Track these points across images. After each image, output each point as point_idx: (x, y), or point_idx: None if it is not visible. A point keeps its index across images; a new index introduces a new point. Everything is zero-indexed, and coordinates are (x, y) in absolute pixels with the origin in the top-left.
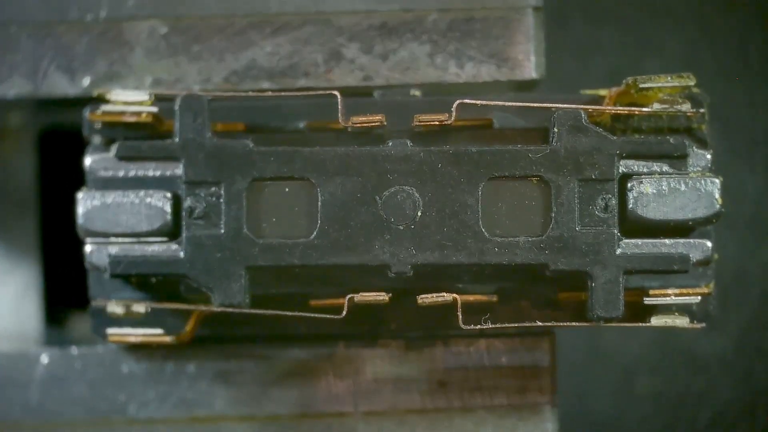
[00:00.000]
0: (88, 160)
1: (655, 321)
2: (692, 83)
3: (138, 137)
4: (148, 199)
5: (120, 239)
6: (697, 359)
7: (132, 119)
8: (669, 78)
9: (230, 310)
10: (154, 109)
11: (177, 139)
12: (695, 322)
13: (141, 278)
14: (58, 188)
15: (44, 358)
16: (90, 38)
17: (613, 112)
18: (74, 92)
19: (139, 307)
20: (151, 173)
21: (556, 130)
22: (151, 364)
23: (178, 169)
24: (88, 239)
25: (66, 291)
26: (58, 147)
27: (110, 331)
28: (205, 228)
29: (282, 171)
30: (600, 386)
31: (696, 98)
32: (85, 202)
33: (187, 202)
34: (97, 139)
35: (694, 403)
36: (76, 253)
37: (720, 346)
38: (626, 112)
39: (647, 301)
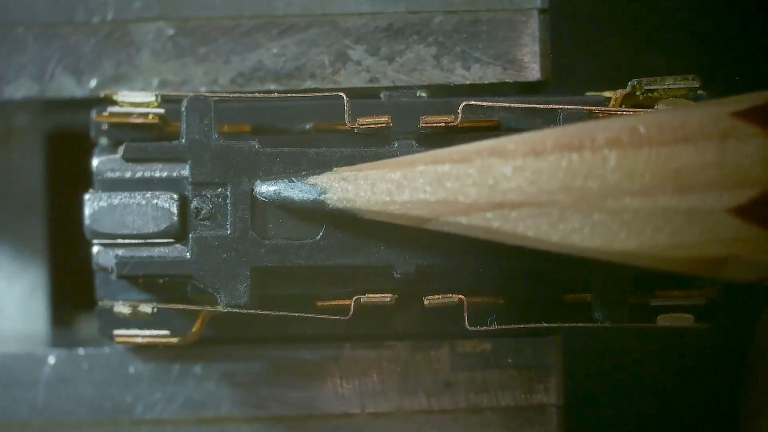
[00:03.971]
0: (95, 162)
1: (661, 321)
2: (697, 85)
3: (145, 138)
4: (155, 201)
5: (127, 240)
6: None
7: (139, 120)
8: (674, 80)
9: (236, 311)
10: (161, 111)
11: (183, 141)
12: (701, 322)
13: (148, 279)
14: (65, 190)
15: (51, 359)
16: (97, 40)
17: (618, 114)
18: (81, 94)
19: (146, 308)
20: (157, 174)
21: None
22: (158, 365)
23: (185, 171)
24: (95, 240)
25: (73, 292)
26: (65, 148)
27: (117, 332)
28: (211, 229)
29: (288, 172)
30: (607, 387)
31: (701, 100)
32: (92, 204)
33: (194, 203)
34: (104, 141)
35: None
36: (83, 254)
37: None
38: (631, 114)
39: (653, 302)
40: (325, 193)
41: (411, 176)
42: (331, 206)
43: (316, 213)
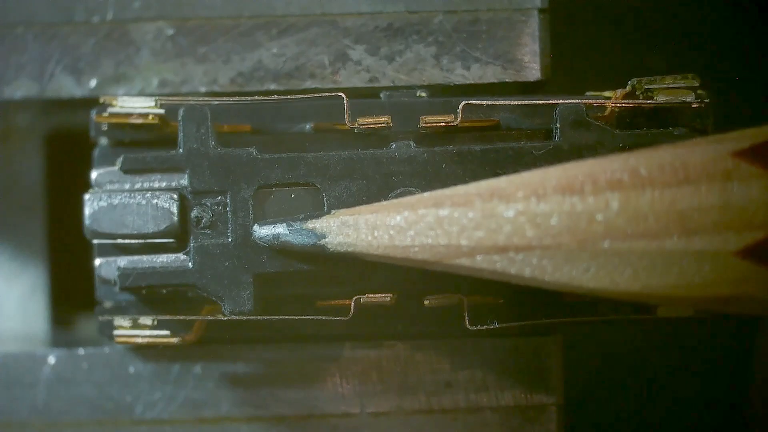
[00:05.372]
0: (93, 174)
1: (662, 312)
2: (697, 84)
3: (144, 138)
4: (155, 201)
5: (127, 240)
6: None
7: (138, 121)
8: (674, 79)
9: (239, 318)
10: (161, 111)
11: (181, 150)
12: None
13: (150, 289)
14: (65, 190)
15: (51, 359)
16: (96, 39)
17: (616, 107)
18: (81, 93)
19: (146, 321)
20: (156, 185)
21: (558, 125)
22: (158, 365)
23: (184, 180)
24: (95, 240)
25: (73, 292)
26: (65, 148)
27: (117, 332)
28: (212, 237)
29: (287, 177)
30: (607, 386)
31: (701, 99)
32: (91, 204)
33: (194, 212)
34: (103, 141)
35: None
36: (83, 254)
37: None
38: (631, 104)
39: None
40: (324, 237)
41: (412, 220)
42: (331, 250)
43: (317, 255)
